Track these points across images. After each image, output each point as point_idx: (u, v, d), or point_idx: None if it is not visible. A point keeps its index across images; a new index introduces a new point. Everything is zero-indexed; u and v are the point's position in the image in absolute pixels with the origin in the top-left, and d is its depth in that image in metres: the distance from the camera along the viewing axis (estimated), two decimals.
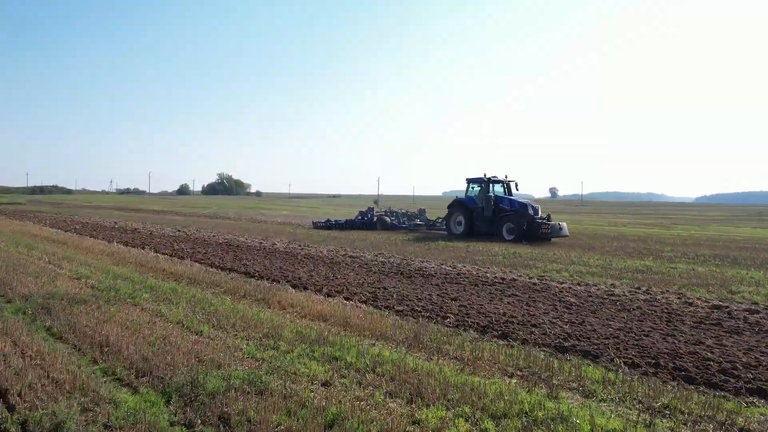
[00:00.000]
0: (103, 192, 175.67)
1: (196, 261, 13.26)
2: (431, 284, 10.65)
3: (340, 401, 4.38)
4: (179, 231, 23.07)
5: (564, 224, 21.98)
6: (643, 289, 10.59)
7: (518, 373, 5.37)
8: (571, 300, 9.31)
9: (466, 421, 4.16)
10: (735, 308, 8.83)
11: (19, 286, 8.86)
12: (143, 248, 15.65)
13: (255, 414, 4.11)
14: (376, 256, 15.01)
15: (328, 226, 27.60)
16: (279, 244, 17.74)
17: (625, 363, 5.81)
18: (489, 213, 22.45)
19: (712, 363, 5.85)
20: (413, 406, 4.42)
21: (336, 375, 5.10)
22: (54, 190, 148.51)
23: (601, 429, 4.07)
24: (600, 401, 4.71)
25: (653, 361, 5.86)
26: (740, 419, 4.36)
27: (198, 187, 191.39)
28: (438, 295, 9.48)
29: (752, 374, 5.51)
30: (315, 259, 14.15)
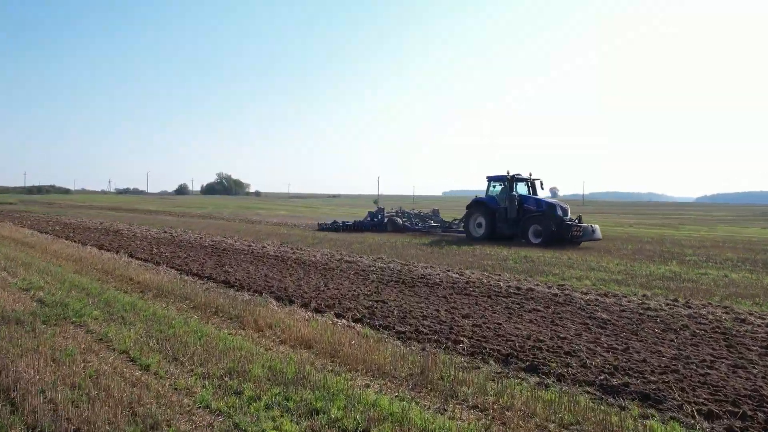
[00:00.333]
0: (103, 192, 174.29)
1: (172, 267, 11.84)
2: (437, 296, 9.24)
3: None
4: (165, 232, 21.66)
5: (597, 227, 19.97)
6: (681, 301, 9.18)
7: None
8: (603, 316, 7.90)
9: None
10: None
11: None
12: (118, 252, 14.23)
13: None
14: (375, 260, 13.60)
15: (335, 227, 25.46)
16: (269, 247, 16.32)
17: (699, 412, 4.40)
18: (513, 214, 20.33)
19: None
20: None
21: None
22: (52, 189, 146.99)
23: None
24: None
25: (736, 410, 4.45)
26: None
27: (197, 187, 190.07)
28: (446, 310, 8.07)
29: None
30: (306, 264, 12.73)
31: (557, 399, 4.51)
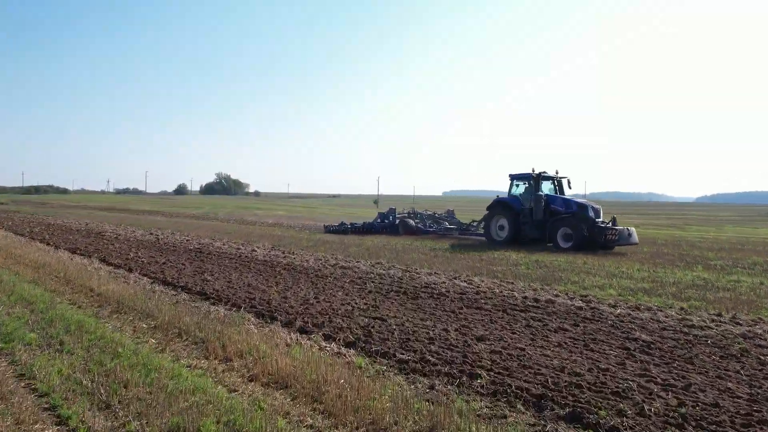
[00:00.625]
0: (102, 192, 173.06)
1: (145, 275, 10.57)
2: (445, 310, 7.97)
3: None
4: (151, 234, 20.39)
5: (633, 230, 17.85)
6: (727, 316, 7.92)
7: None
8: (644, 337, 6.63)
9: None
10: None
11: None
12: (90, 257, 12.95)
13: None
14: (373, 266, 12.33)
15: (343, 230, 23.55)
16: (259, 251, 15.06)
17: None
18: (539, 216, 18.35)
19: None
20: None
21: None
22: (50, 189, 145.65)
23: None
24: None
25: None
26: None
27: (196, 187, 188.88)
28: (457, 329, 6.79)
29: None
30: (297, 271, 11.46)
31: None
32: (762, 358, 5.89)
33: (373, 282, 10.23)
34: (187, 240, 18.06)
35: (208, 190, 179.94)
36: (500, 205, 19.69)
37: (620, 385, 4.84)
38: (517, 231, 18.77)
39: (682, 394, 4.70)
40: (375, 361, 5.47)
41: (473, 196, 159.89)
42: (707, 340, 6.57)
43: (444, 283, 10.26)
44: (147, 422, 3.74)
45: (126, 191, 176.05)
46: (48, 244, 16.05)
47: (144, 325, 6.49)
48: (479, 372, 5.11)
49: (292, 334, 6.41)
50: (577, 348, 6.10)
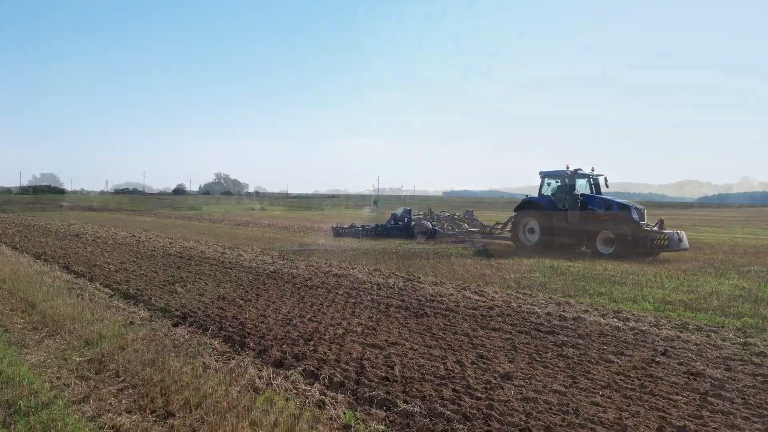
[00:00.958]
0: (101, 192, 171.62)
1: (107, 285, 9.18)
2: (456, 332, 6.56)
3: None
4: (133, 236, 19.03)
5: (683, 234, 15.70)
6: None
7: None
8: (712, 374, 5.22)
9: None
10: None
11: None
12: (53, 263, 11.55)
13: None
14: (371, 274, 10.95)
15: (354, 232, 21.44)
16: (245, 255, 13.68)
17: None
18: (575, 218, 16.46)
19: None
20: None
21: None
22: (48, 189, 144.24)
23: None
24: None
25: None
26: None
27: (195, 187, 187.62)
28: (473, 362, 5.38)
29: None
30: (284, 280, 10.07)
31: None
32: None
33: (370, 294, 8.85)
34: (169, 243, 16.69)
35: (208, 189, 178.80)
36: (530, 206, 17.68)
37: None
38: (549, 234, 16.78)
39: None
40: (369, 414, 4.08)
41: (473, 196, 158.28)
42: None
43: (452, 294, 8.88)
44: None
45: (125, 191, 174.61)
46: (15, 248, 14.67)
47: (77, 358, 5.10)
48: None
49: (264, 369, 5.01)
50: (633, 391, 4.70)
